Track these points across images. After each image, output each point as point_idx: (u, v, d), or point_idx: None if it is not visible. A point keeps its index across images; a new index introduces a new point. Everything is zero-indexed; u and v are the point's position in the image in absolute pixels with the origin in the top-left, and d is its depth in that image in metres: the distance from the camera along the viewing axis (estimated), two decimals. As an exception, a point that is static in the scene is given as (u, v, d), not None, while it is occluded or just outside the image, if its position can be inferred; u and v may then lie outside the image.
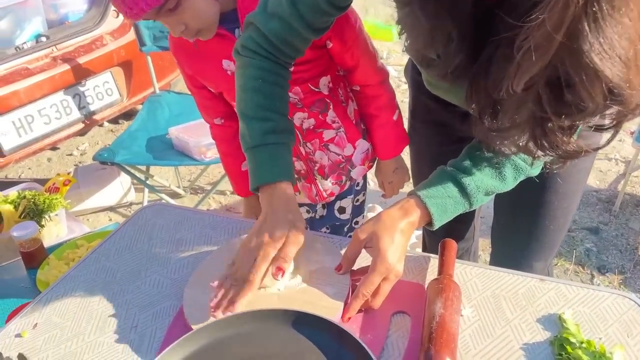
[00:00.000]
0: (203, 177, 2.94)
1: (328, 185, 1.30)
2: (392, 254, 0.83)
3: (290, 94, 1.16)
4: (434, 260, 0.96)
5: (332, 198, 1.34)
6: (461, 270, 0.94)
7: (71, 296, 0.97)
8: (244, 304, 0.83)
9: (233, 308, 0.82)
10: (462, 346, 0.80)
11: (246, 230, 1.08)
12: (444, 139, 1.20)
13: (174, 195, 2.82)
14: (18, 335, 0.90)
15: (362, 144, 1.30)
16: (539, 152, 0.71)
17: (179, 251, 1.05)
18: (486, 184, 0.87)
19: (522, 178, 0.90)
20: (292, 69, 1.01)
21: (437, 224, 0.88)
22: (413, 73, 1.21)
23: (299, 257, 0.90)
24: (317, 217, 1.42)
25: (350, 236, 0.91)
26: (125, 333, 0.89)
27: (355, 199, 1.43)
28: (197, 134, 2.18)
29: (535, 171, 0.89)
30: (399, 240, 0.84)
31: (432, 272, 0.93)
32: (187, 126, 2.26)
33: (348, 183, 1.33)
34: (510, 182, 0.89)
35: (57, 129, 2.58)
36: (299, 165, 1.27)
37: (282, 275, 0.85)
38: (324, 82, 1.19)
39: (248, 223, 1.11)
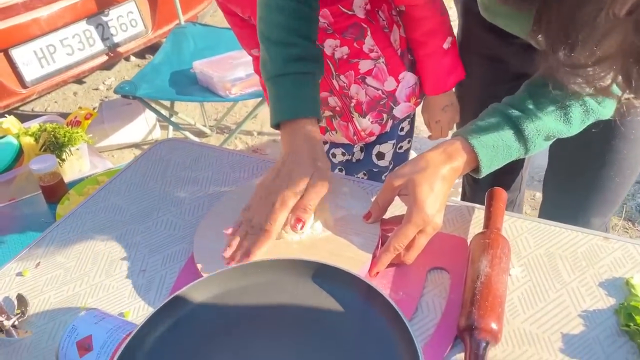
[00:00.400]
0: (230, 116, 2.84)
1: (367, 124, 1.15)
2: (431, 204, 0.72)
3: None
4: (479, 212, 0.84)
5: (373, 138, 1.19)
6: (510, 224, 0.82)
7: (77, 235, 0.90)
8: (260, 255, 0.74)
9: (248, 260, 0.73)
10: (510, 310, 0.70)
11: (265, 172, 0.98)
12: (497, 76, 1.05)
13: (200, 133, 2.74)
14: (19, 274, 0.83)
15: (408, 78, 1.13)
16: (627, 95, 0.57)
17: (194, 191, 0.96)
18: (548, 127, 0.74)
19: (590, 121, 0.76)
20: None
21: (485, 171, 0.76)
22: None
23: (323, 202, 0.80)
24: (354, 160, 1.29)
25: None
26: (132, 277, 0.81)
27: (398, 146, 1.27)
28: (222, 68, 2.06)
29: (607, 112, 0.75)
30: (439, 188, 0.73)
31: (476, 225, 0.82)
32: (212, 60, 2.14)
33: (390, 122, 1.17)
34: (576, 126, 0.75)
35: (80, 60, 2.49)
36: (333, 101, 1.13)
37: (302, 227, 0.76)
38: (359, 3, 1.04)
39: (268, 163, 1.01)
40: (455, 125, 1.26)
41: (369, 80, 1.10)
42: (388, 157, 1.26)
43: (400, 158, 1.30)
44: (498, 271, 0.69)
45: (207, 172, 1.00)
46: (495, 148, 0.74)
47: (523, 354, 0.65)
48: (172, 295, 0.62)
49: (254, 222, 0.76)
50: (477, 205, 0.85)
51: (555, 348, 0.65)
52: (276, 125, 0.83)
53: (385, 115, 1.16)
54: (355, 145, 1.24)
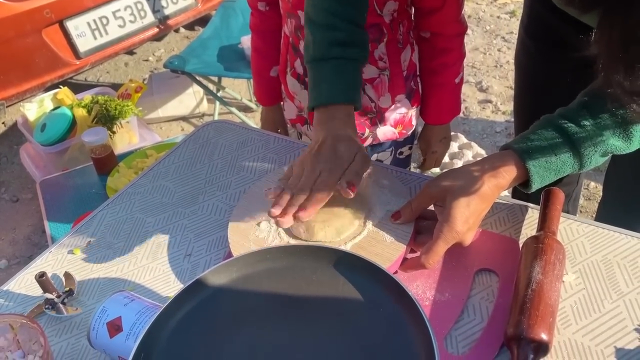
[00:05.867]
0: (276, 91, 2.83)
1: None
2: (463, 222, 0.68)
3: None
4: (533, 212, 0.80)
5: None
6: (565, 227, 0.78)
7: (126, 215, 0.91)
8: (313, 214, 0.70)
9: (305, 214, 0.69)
10: (561, 319, 0.67)
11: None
12: (560, 63, 0.99)
13: (246, 109, 2.74)
14: (70, 252, 0.86)
15: (403, 103, 1.10)
16: None
17: (240, 175, 0.96)
18: (606, 144, 0.69)
19: None
20: None
21: (535, 187, 0.73)
22: None
23: (367, 201, 0.78)
24: None
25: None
26: (178, 261, 0.82)
27: (398, 151, 1.21)
28: (270, 44, 2.04)
29: None
30: (476, 206, 0.69)
31: (529, 226, 0.79)
32: (260, 36, 2.12)
33: (370, 139, 1.13)
34: (636, 142, 0.70)
35: (131, 32, 2.52)
36: None
37: (354, 191, 0.71)
38: (390, 8, 0.99)
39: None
40: (514, 110, 1.20)
41: (367, 88, 1.06)
42: (387, 162, 1.21)
43: (401, 164, 1.25)
44: (551, 278, 0.66)
45: (253, 156, 0.99)
46: (549, 165, 0.70)
47: (573, 367, 0.62)
48: (194, 280, 0.62)
49: (301, 186, 0.71)
50: (531, 205, 0.82)
51: (608, 363, 0.62)
52: (312, 110, 0.81)
53: (367, 130, 1.12)
54: None
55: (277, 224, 0.71)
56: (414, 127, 1.17)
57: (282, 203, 0.71)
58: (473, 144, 2.08)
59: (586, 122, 0.68)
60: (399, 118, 1.12)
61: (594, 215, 1.96)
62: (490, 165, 0.71)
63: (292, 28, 1.05)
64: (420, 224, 0.76)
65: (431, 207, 0.76)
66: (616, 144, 0.69)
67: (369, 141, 1.15)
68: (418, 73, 1.12)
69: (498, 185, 0.70)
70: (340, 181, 0.71)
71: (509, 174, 0.70)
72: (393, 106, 1.09)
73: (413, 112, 1.14)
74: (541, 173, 0.70)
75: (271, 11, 1.15)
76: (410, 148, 1.24)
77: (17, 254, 2.15)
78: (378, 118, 1.10)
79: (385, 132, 1.13)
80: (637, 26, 0.50)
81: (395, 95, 1.08)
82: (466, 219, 0.68)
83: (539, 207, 0.78)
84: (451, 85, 1.11)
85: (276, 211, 0.70)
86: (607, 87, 0.61)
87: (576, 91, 0.77)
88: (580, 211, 1.99)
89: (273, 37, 1.16)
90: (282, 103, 1.24)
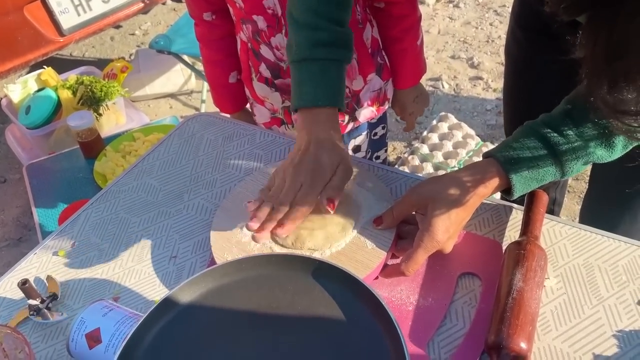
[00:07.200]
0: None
1: None
2: (444, 232, 0.68)
3: None
4: (517, 213, 0.81)
5: None
6: (548, 229, 0.79)
7: (111, 214, 0.91)
8: (291, 230, 0.71)
9: (282, 231, 0.70)
10: (541, 325, 0.68)
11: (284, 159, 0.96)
12: (550, 56, 0.98)
13: (235, 85, 2.70)
14: (55, 254, 0.86)
15: (375, 81, 1.10)
16: None
17: (226, 173, 0.95)
18: (588, 154, 0.69)
19: (635, 145, 0.70)
20: None
21: (517, 195, 0.73)
22: None
23: (354, 210, 0.78)
24: None
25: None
26: (163, 263, 0.82)
27: (373, 133, 1.22)
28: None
29: None
30: (457, 216, 0.69)
31: (512, 228, 0.79)
32: (248, 13, 2.07)
33: (351, 124, 1.13)
34: (618, 152, 0.70)
35: (116, 7, 2.45)
36: None
37: (333, 209, 0.72)
38: None
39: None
40: (503, 102, 1.20)
41: None
42: (364, 147, 1.23)
43: (378, 144, 1.25)
44: (532, 286, 0.67)
45: (239, 152, 0.99)
46: (531, 175, 0.70)
47: (552, 374, 0.64)
48: (168, 293, 0.62)
49: (282, 200, 0.72)
50: (515, 206, 0.82)
51: (585, 370, 0.64)
52: (295, 111, 0.81)
53: (347, 117, 1.12)
54: None
55: (254, 238, 0.72)
56: (390, 99, 1.19)
57: (261, 216, 0.71)
58: (463, 124, 2.07)
59: (570, 132, 0.68)
60: (373, 96, 1.13)
61: (581, 196, 1.98)
62: (472, 173, 0.71)
63: (249, 34, 1.03)
64: (403, 229, 0.76)
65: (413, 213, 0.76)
66: (598, 154, 0.69)
67: (349, 127, 1.15)
68: (382, 47, 1.12)
69: (479, 194, 0.71)
70: (320, 196, 0.72)
71: (491, 183, 0.70)
72: (366, 86, 1.10)
73: (386, 86, 1.15)
74: (523, 182, 0.70)
75: (219, 19, 1.10)
76: (383, 127, 1.25)
77: (7, 236, 2.15)
78: (354, 101, 1.11)
79: (364, 113, 1.14)
80: (620, 42, 0.49)
81: (366, 75, 1.09)
82: (447, 229, 0.68)
83: (522, 207, 0.78)
84: (414, 48, 1.13)
85: (254, 225, 0.71)
86: (590, 97, 0.60)
87: (565, 84, 0.76)
88: (568, 191, 2.00)
89: (225, 44, 1.12)
90: (250, 109, 1.22)
